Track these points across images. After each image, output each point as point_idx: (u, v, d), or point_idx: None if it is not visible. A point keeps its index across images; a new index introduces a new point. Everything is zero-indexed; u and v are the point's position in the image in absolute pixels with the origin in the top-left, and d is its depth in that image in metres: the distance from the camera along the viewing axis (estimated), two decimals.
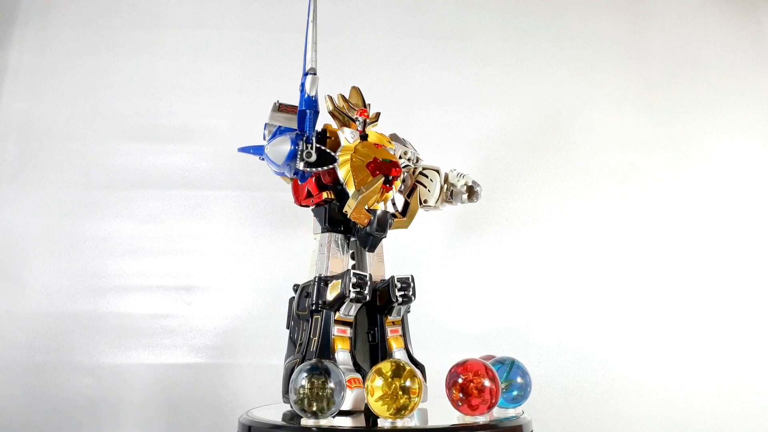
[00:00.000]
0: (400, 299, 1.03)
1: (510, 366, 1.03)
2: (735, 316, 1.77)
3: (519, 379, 1.02)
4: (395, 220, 1.03)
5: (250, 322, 1.68)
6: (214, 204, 1.74)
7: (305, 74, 1.02)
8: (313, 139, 1.00)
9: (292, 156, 1.01)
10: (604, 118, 1.87)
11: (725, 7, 1.98)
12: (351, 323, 1.04)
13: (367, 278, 1.01)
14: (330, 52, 1.83)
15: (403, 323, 1.08)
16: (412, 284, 1.04)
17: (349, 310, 1.02)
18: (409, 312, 1.10)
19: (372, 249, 1.05)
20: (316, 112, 1.00)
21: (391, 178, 1.00)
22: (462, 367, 0.93)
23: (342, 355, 1.01)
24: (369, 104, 1.15)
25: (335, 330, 1.02)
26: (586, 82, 1.88)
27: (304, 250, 1.74)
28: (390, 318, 1.07)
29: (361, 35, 1.86)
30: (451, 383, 0.93)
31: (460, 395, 0.92)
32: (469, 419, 0.93)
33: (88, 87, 1.77)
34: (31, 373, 1.60)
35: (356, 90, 1.15)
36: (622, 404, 1.71)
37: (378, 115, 1.14)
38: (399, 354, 1.05)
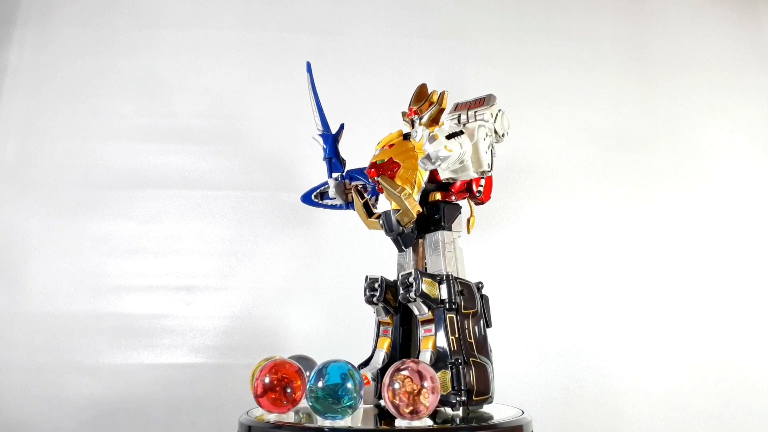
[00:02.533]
0: (401, 297, 1.01)
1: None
2: (735, 316, 1.77)
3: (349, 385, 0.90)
4: (401, 212, 1.02)
5: (250, 322, 1.68)
6: (214, 204, 1.74)
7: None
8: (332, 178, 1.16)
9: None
10: (604, 118, 1.87)
11: (725, 7, 1.98)
12: (389, 324, 1.08)
13: (377, 281, 1.05)
14: (330, 52, 1.84)
15: (438, 322, 1.01)
16: (413, 281, 0.99)
17: (377, 312, 1.08)
18: (447, 309, 1.01)
19: (400, 248, 1.07)
20: (329, 159, 1.16)
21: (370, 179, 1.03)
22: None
23: (378, 354, 1.07)
24: (432, 92, 1.09)
25: (381, 330, 1.09)
26: (586, 82, 1.88)
27: (304, 250, 1.75)
28: (419, 317, 1.03)
29: (361, 35, 1.86)
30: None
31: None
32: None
33: (88, 87, 1.77)
34: (31, 373, 1.60)
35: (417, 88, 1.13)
36: (622, 404, 1.71)
37: (441, 96, 1.07)
38: (425, 355, 1.00)
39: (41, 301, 1.64)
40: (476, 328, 1.04)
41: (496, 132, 1.08)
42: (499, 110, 1.09)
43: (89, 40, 1.79)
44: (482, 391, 0.99)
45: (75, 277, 1.66)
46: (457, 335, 1.00)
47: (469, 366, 0.98)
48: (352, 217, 1.68)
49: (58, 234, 1.68)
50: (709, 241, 1.81)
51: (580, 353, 1.71)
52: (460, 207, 1.11)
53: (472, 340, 1.02)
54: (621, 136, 1.86)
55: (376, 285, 1.05)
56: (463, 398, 0.96)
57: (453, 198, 1.10)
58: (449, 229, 1.08)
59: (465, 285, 1.04)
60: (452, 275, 1.03)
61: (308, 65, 1.17)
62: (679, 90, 1.90)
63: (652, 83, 1.91)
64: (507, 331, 1.69)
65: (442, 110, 1.07)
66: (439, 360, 0.98)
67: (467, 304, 1.03)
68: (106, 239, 1.69)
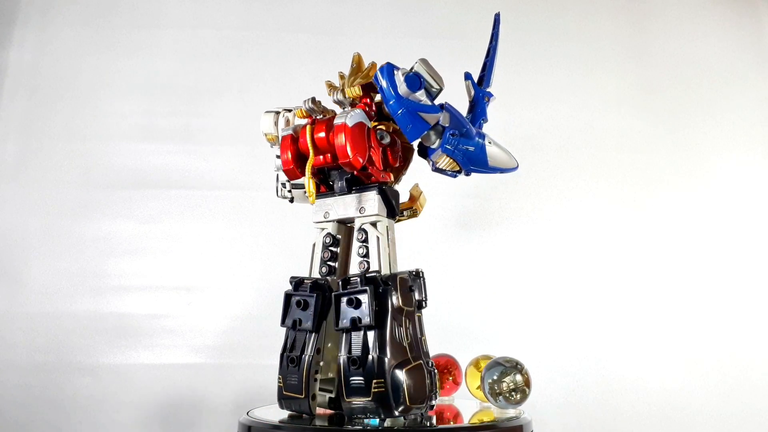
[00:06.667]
0: None
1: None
2: (735, 316, 1.77)
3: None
4: None
5: (250, 322, 1.67)
6: (214, 204, 1.74)
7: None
8: None
9: None
10: (604, 118, 1.87)
11: (725, 7, 1.98)
12: None
13: None
14: (330, 52, 1.84)
15: None
16: None
17: None
18: None
19: None
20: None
21: None
22: None
23: None
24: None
25: None
26: (586, 82, 1.88)
27: (304, 250, 1.75)
28: None
29: (361, 35, 1.86)
30: None
31: None
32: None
33: (88, 87, 1.77)
34: (31, 373, 1.61)
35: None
36: (622, 404, 1.70)
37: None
38: None
39: (41, 301, 1.64)
40: None
41: None
42: None
43: (89, 40, 1.79)
44: None
45: (75, 277, 1.66)
46: None
47: None
48: None
49: (58, 234, 1.68)
50: (709, 241, 1.81)
51: (580, 353, 1.71)
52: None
53: None
54: (621, 136, 1.86)
55: None
56: None
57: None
58: None
59: None
60: None
61: (497, 16, 1.15)
62: (679, 90, 1.90)
63: (652, 83, 1.90)
64: (507, 331, 1.69)
65: None
66: None
67: None
68: (106, 239, 1.69)
